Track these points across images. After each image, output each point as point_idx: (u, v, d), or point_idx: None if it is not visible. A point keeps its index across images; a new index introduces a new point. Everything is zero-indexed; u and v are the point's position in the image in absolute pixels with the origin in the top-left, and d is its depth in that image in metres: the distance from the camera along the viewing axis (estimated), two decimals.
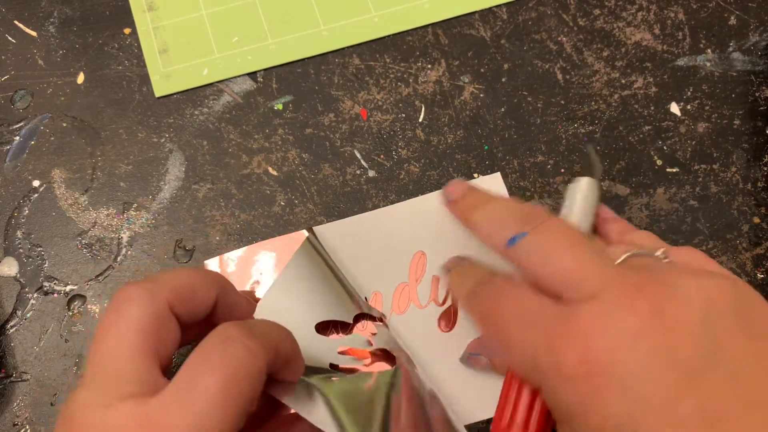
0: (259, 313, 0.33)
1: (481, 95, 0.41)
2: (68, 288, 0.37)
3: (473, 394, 0.34)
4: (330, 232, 0.37)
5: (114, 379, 0.23)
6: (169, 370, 0.25)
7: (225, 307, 0.29)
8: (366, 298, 0.36)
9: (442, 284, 0.36)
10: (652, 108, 0.41)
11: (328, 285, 0.35)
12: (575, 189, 0.32)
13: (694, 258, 0.28)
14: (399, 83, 0.41)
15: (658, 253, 0.28)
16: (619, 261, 0.27)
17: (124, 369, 0.24)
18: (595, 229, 0.33)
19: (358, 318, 0.35)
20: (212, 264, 0.37)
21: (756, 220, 0.39)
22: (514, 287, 0.28)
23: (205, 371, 0.23)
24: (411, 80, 0.41)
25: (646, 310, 0.24)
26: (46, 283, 0.37)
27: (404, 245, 0.36)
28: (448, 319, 0.36)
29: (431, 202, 0.38)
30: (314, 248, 0.36)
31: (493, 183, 0.38)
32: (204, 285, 0.28)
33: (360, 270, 0.36)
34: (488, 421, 0.30)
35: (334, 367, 0.34)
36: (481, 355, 0.33)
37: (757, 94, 0.41)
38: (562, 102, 0.41)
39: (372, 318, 0.35)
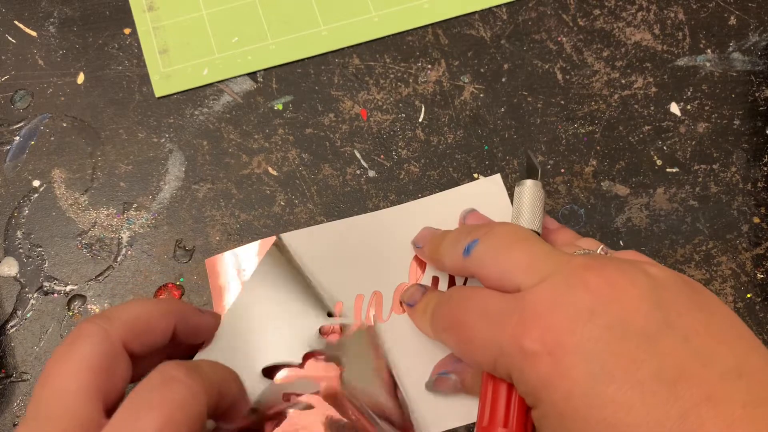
0: (225, 326, 0.33)
1: (481, 95, 0.41)
2: (68, 288, 0.37)
3: (465, 395, 0.34)
4: (299, 239, 0.36)
5: (55, 417, 0.23)
6: (118, 407, 0.25)
7: (186, 332, 0.29)
8: (333, 306, 0.35)
9: (443, 284, 0.36)
10: (652, 108, 0.41)
11: (295, 292, 0.35)
12: (521, 192, 0.33)
13: (636, 255, 0.30)
14: (399, 83, 0.41)
15: (599, 250, 0.30)
16: None
17: (67, 408, 0.23)
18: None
19: (308, 356, 0.34)
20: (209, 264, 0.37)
21: (756, 220, 0.39)
22: (473, 291, 0.29)
23: (143, 411, 0.23)
24: (411, 80, 0.41)
25: (598, 285, 0.25)
26: (46, 283, 0.37)
27: (404, 246, 0.37)
28: None
29: (433, 203, 0.38)
30: (282, 255, 0.36)
31: (492, 185, 0.38)
32: (160, 316, 0.28)
33: (348, 273, 0.36)
34: (472, 426, 0.30)
35: (286, 398, 0.33)
36: (451, 374, 0.32)
37: (757, 94, 0.41)
38: (562, 102, 0.41)
39: (323, 356, 0.34)
